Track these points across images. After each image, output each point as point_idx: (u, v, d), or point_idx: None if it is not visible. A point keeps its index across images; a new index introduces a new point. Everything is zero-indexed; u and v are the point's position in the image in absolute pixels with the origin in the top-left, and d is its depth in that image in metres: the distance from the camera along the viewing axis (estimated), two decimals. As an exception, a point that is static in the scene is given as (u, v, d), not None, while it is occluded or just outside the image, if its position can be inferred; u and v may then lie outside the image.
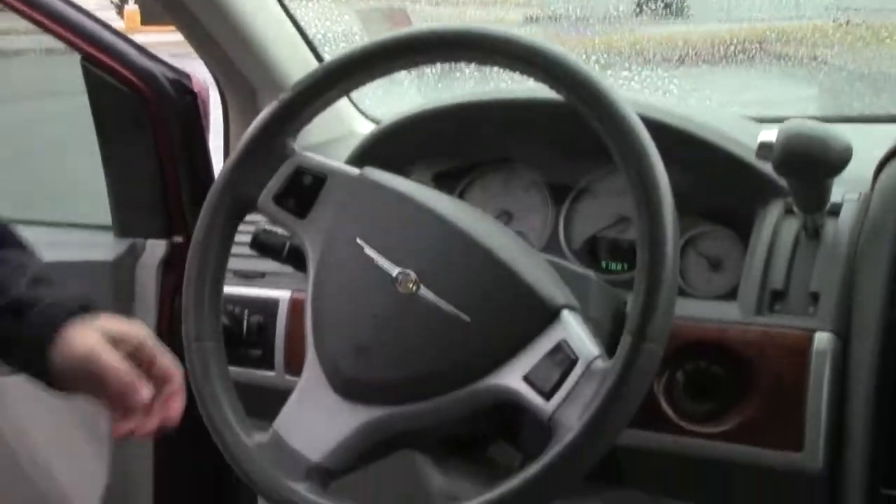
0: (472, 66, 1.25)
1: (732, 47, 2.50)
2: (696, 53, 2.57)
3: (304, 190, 1.21)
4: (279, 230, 1.35)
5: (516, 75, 1.15)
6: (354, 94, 2.02)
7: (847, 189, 1.33)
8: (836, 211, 1.31)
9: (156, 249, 1.99)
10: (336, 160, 1.25)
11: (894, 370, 1.17)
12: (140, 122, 1.87)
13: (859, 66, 2.36)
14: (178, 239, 1.99)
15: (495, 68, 1.18)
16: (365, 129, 1.91)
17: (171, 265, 1.99)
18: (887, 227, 1.21)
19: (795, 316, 1.26)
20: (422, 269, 1.11)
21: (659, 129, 1.12)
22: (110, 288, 1.96)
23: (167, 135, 1.88)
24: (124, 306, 1.98)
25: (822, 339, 1.23)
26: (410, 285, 1.11)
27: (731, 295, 1.38)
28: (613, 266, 1.51)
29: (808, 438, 1.22)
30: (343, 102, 1.96)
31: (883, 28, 2.32)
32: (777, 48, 2.56)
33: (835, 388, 1.22)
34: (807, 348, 1.23)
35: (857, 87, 2.27)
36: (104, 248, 1.98)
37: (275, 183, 1.21)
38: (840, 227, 1.30)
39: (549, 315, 1.08)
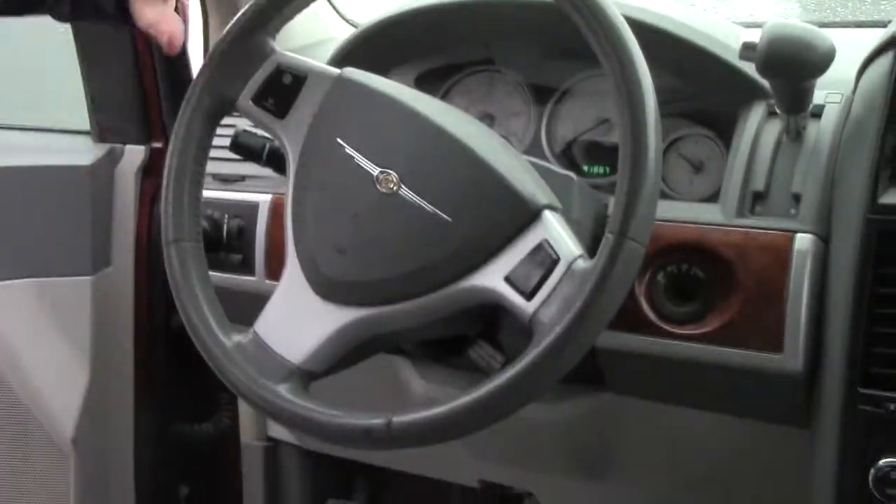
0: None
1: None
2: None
3: (284, 90, 1.19)
4: (259, 132, 1.34)
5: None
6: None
7: (829, 91, 1.32)
8: (818, 113, 1.31)
9: (134, 155, 1.98)
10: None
11: (873, 271, 1.17)
12: (119, 26, 1.84)
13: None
14: (157, 144, 1.98)
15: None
16: (344, 32, 1.88)
17: (150, 171, 1.99)
18: (869, 129, 1.21)
19: (777, 217, 1.26)
20: (403, 169, 1.11)
21: (643, 30, 1.11)
22: (88, 193, 1.95)
23: (145, 38, 1.85)
24: (102, 212, 1.97)
25: (803, 241, 1.23)
26: (391, 185, 1.10)
27: (712, 197, 1.39)
28: (595, 169, 1.51)
29: (787, 340, 1.22)
30: (322, 5, 1.93)
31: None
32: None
33: (815, 290, 1.22)
34: (788, 250, 1.23)
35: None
36: (82, 153, 1.96)
37: (254, 83, 1.19)
38: (822, 129, 1.30)
39: (530, 215, 1.08)
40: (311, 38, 1.88)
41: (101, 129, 1.99)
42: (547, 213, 1.08)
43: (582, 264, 1.04)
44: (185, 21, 1.94)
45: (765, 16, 2.14)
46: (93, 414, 2.00)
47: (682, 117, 1.44)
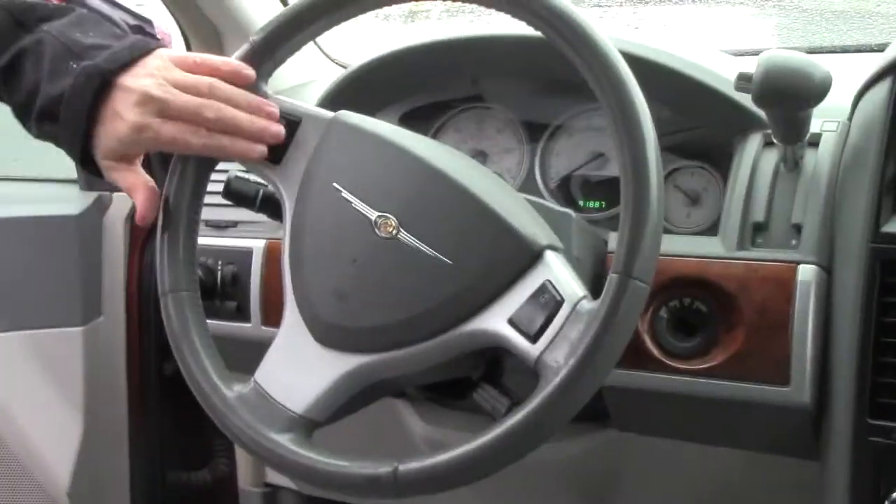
0: (440, 7, 1.22)
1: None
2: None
3: None
4: (251, 177, 1.32)
5: (484, 15, 1.12)
6: (321, 40, 2.00)
7: (825, 119, 1.31)
8: (815, 142, 1.30)
9: (122, 203, 1.97)
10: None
11: (878, 300, 1.16)
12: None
13: (813, 4, 2.34)
14: (146, 192, 1.96)
15: (469, 6, 1.16)
16: (332, 73, 1.87)
17: (140, 218, 1.96)
18: (868, 156, 1.21)
19: (778, 249, 1.25)
20: (401, 212, 1.09)
21: (638, 64, 1.10)
22: (77, 243, 1.93)
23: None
24: (91, 261, 1.95)
25: (806, 271, 1.22)
26: (390, 229, 1.09)
27: (710, 230, 1.38)
28: (591, 204, 1.50)
29: (794, 372, 1.21)
30: (310, 48, 1.92)
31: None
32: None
33: (819, 321, 1.21)
34: (790, 281, 1.22)
35: (819, 23, 2.25)
36: (70, 202, 1.95)
37: None
38: (820, 158, 1.29)
39: (532, 256, 1.06)
40: (301, 80, 1.87)
41: (89, 178, 1.97)
42: (549, 254, 1.07)
43: (587, 305, 1.03)
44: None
45: (758, 43, 2.14)
46: (88, 465, 1.98)
47: (677, 149, 1.43)
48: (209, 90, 1.13)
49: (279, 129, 1.15)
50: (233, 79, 1.15)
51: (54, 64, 1.15)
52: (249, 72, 1.16)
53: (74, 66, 1.13)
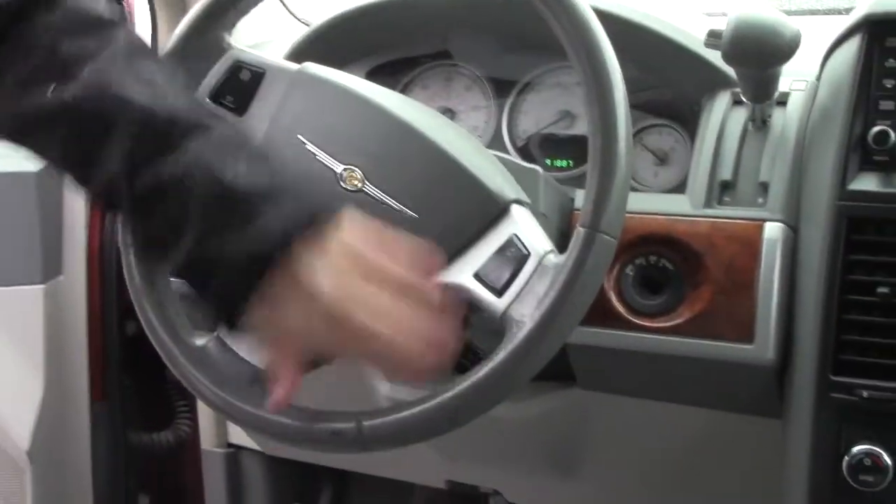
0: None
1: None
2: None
3: (242, 86, 1.16)
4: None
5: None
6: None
7: (794, 79, 1.31)
8: (783, 101, 1.30)
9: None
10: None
11: (843, 258, 1.17)
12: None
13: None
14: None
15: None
16: (295, 30, 1.85)
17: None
18: (835, 115, 1.21)
19: (745, 207, 1.25)
20: (367, 165, 1.08)
21: (609, 20, 1.09)
22: (36, 199, 1.90)
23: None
24: (52, 219, 1.93)
25: (773, 229, 1.22)
26: (355, 181, 1.08)
27: (678, 189, 1.38)
28: (558, 163, 1.49)
29: (759, 330, 1.21)
30: (275, 5, 1.90)
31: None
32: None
33: (785, 279, 1.21)
34: (757, 239, 1.22)
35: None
36: (30, 158, 1.92)
37: (211, 79, 1.17)
38: (788, 117, 1.29)
39: (498, 210, 1.06)
40: (262, 38, 1.85)
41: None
42: (515, 208, 1.06)
43: (553, 259, 1.03)
44: (130, 19, 1.92)
45: (728, 5, 2.13)
46: (48, 425, 1.96)
47: (646, 107, 1.42)
48: None
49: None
50: None
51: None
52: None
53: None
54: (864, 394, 1.15)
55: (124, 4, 1.89)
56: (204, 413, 2.03)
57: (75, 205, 1.95)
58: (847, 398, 1.16)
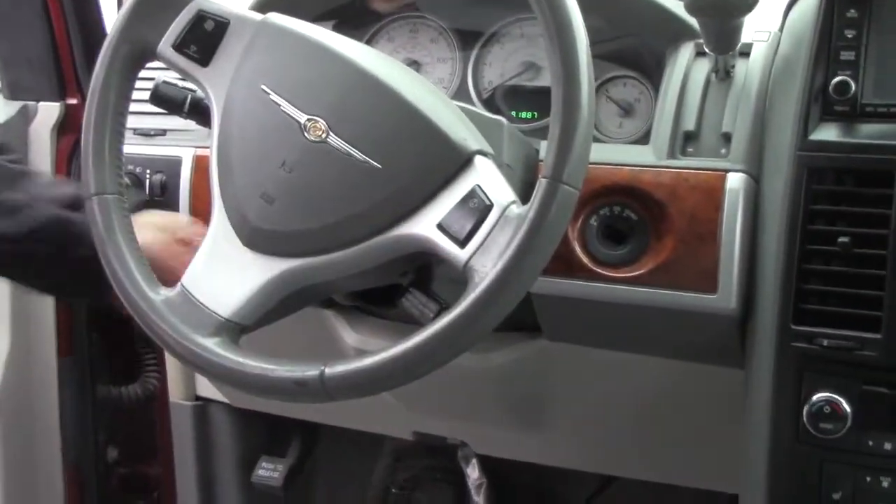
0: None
1: None
2: None
3: (206, 36, 1.15)
4: (180, 83, 1.30)
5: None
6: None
7: (756, 30, 1.32)
8: (746, 52, 1.31)
9: (49, 112, 1.93)
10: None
11: (804, 208, 1.18)
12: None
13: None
14: (72, 101, 1.93)
15: None
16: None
17: (66, 128, 1.94)
18: (797, 65, 1.22)
19: (708, 157, 1.26)
20: (331, 116, 1.08)
21: None
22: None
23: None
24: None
25: (735, 179, 1.22)
26: (319, 132, 1.08)
27: (642, 140, 1.38)
28: (523, 114, 1.49)
29: (721, 280, 1.22)
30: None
31: None
32: None
33: (747, 229, 1.22)
34: (719, 189, 1.22)
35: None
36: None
37: (175, 29, 1.16)
38: (751, 68, 1.29)
39: (462, 160, 1.05)
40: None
41: (13, 87, 1.94)
42: (479, 159, 1.06)
43: (516, 210, 1.03)
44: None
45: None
46: (15, 381, 1.96)
47: (609, 59, 1.42)
48: None
49: None
50: None
51: None
52: None
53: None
54: (825, 342, 1.17)
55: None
56: (171, 366, 2.03)
57: (41, 157, 1.94)
58: (807, 347, 1.18)
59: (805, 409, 1.18)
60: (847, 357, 1.16)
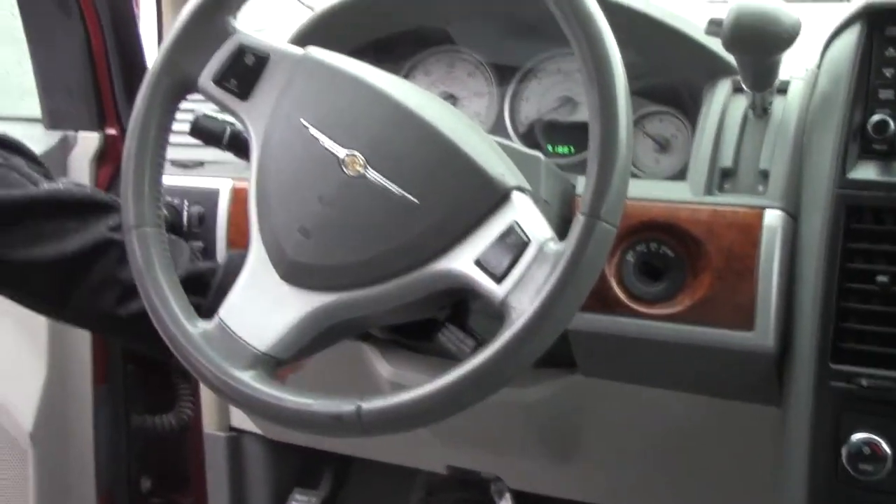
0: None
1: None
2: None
3: (247, 70, 1.16)
4: (219, 116, 1.31)
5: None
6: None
7: (794, 67, 1.31)
8: (783, 88, 1.31)
9: (88, 142, 1.94)
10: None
11: (843, 246, 1.17)
12: (67, 8, 1.81)
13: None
14: (111, 131, 1.95)
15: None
16: (301, 15, 1.85)
17: (105, 159, 1.95)
18: (836, 103, 1.21)
19: (745, 194, 1.26)
20: (369, 151, 1.08)
21: (609, 7, 1.09)
22: (41, 183, 1.91)
23: (96, 20, 1.82)
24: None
25: (773, 217, 1.22)
26: (358, 167, 1.08)
27: (678, 175, 1.39)
28: (559, 149, 1.49)
29: (758, 317, 1.22)
30: (277, -12, 1.91)
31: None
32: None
33: (785, 266, 1.22)
34: (757, 226, 1.22)
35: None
36: (34, 141, 1.92)
37: (216, 63, 1.17)
38: (788, 105, 1.29)
39: (499, 196, 1.06)
40: (268, 20, 1.85)
41: (53, 117, 1.95)
42: (516, 195, 1.06)
43: (553, 247, 1.02)
44: (136, 4, 1.92)
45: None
46: (51, 408, 1.97)
47: (647, 94, 1.43)
48: None
49: None
50: None
51: None
52: None
53: None
54: (864, 382, 1.15)
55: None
56: (206, 396, 2.04)
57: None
58: (846, 386, 1.17)
59: (844, 449, 1.17)
60: (887, 397, 1.15)
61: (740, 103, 1.31)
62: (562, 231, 1.04)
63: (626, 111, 1.01)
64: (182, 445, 2.15)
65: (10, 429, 1.95)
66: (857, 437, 1.16)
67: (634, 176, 1.39)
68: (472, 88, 1.56)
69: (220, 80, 1.17)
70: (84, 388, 2.04)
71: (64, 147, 1.93)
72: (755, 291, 1.22)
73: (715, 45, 1.27)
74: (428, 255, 1.05)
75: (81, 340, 2.00)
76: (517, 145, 1.31)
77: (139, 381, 2.11)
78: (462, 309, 1.19)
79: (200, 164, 1.56)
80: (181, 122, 1.28)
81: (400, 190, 1.06)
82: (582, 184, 1.26)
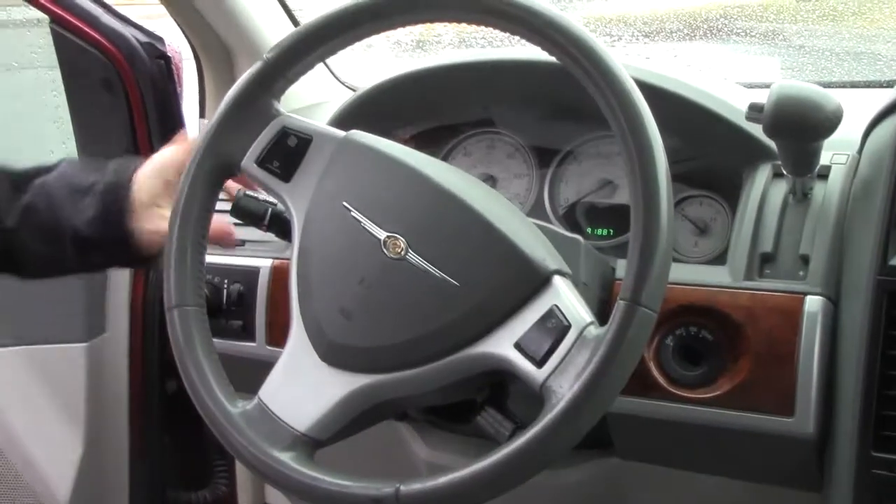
0: (451, 34, 1.22)
1: (702, 22, 2.48)
2: (666, 28, 2.55)
3: (289, 152, 1.18)
4: (261, 196, 1.33)
5: (495, 43, 1.12)
6: (332, 64, 2.01)
7: (835, 152, 1.32)
8: (824, 174, 1.31)
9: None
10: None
11: (884, 333, 1.16)
12: (111, 86, 1.84)
13: (818, 42, 2.34)
14: (153, 207, 1.96)
15: (482, 32, 1.16)
16: (342, 96, 1.88)
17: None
18: (877, 189, 1.20)
19: (785, 280, 1.25)
20: (410, 233, 1.09)
21: (650, 92, 1.09)
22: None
23: (139, 100, 1.85)
24: (97, 276, 1.95)
25: (813, 303, 1.22)
26: (399, 249, 1.09)
27: (717, 259, 1.38)
28: (599, 232, 1.50)
29: (799, 403, 1.21)
30: (320, 69, 1.93)
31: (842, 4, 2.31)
32: (740, 24, 2.53)
33: (825, 352, 1.21)
34: (797, 312, 1.22)
35: (829, 60, 2.25)
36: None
37: (258, 145, 1.18)
38: (829, 190, 1.29)
39: (540, 280, 1.06)
40: (308, 101, 1.88)
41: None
42: (557, 279, 1.06)
43: (594, 331, 1.03)
44: (179, 84, 1.95)
45: (766, 77, 2.15)
46: (88, 481, 1.97)
47: (687, 178, 1.43)
48: None
49: None
50: None
51: (68, 205, 1.30)
52: None
53: (87, 200, 1.30)
54: (905, 470, 1.14)
55: (172, 67, 1.92)
56: (241, 473, 2.04)
57: (120, 264, 1.97)
58: (888, 475, 1.15)
59: (886, 538, 1.15)
60: (929, 486, 1.14)
61: (780, 188, 1.31)
62: (601, 313, 1.05)
63: (667, 199, 1.01)
64: (217, 521, 2.15)
65: (46, 500, 1.95)
66: (900, 525, 1.15)
67: (674, 259, 1.38)
68: (512, 170, 1.57)
69: (262, 162, 1.18)
70: (121, 461, 2.05)
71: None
72: (795, 377, 1.21)
73: (755, 129, 1.28)
74: (468, 337, 1.06)
75: (120, 414, 2.01)
76: (557, 228, 1.31)
77: (175, 454, 2.12)
78: (501, 391, 1.19)
79: (242, 243, 1.58)
80: (224, 202, 1.30)
81: (441, 273, 1.07)
82: (622, 266, 1.26)
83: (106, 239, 1.30)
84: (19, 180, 1.32)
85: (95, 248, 1.31)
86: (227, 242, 1.37)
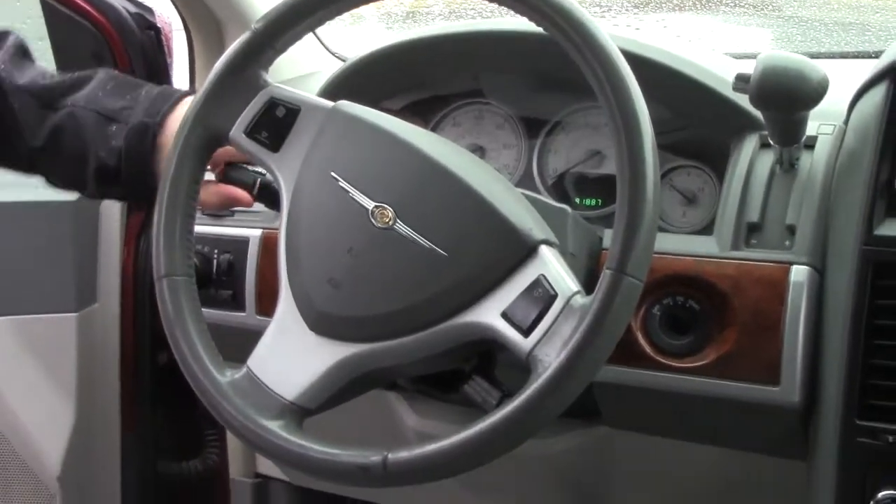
0: (441, 6, 1.22)
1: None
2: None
3: (277, 122, 1.18)
4: (249, 166, 1.33)
5: (485, 14, 1.12)
6: (321, 33, 2.00)
7: (822, 122, 1.32)
8: (811, 144, 1.31)
9: (119, 190, 1.96)
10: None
11: (869, 302, 1.17)
12: (101, 57, 1.83)
13: (808, 12, 2.34)
14: (143, 179, 1.96)
15: (472, 2, 1.16)
16: (332, 66, 1.87)
17: (135, 206, 1.96)
18: (863, 160, 1.21)
19: (772, 249, 1.26)
20: (398, 203, 1.09)
21: (636, 61, 1.10)
22: (73, 229, 1.93)
23: (129, 70, 1.85)
24: (87, 248, 1.96)
25: (799, 272, 1.22)
26: (387, 219, 1.09)
27: (705, 230, 1.39)
28: (587, 201, 1.50)
29: (784, 372, 1.21)
30: (310, 40, 1.92)
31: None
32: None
33: (811, 322, 1.22)
34: (783, 281, 1.22)
35: (818, 30, 2.25)
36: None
37: (247, 115, 1.18)
38: (815, 160, 1.29)
39: (527, 250, 1.06)
40: (300, 71, 1.87)
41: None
42: (544, 248, 1.07)
43: (580, 300, 1.03)
44: (169, 54, 1.95)
45: (756, 47, 2.15)
46: (79, 452, 1.98)
47: (674, 149, 1.43)
48: None
49: None
50: None
51: (95, 132, 1.31)
52: None
53: (115, 128, 1.31)
54: (890, 438, 1.15)
55: (162, 38, 1.92)
56: (232, 442, 2.05)
57: (111, 234, 1.97)
58: (873, 443, 1.16)
59: (870, 505, 1.16)
60: (913, 454, 1.15)
61: (767, 158, 1.32)
62: (588, 283, 1.05)
63: (653, 168, 1.02)
64: (208, 491, 2.16)
65: (38, 472, 1.96)
66: (884, 493, 1.15)
67: (661, 229, 1.39)
68: (501, 140, 1.57)
69: (251, 132, 1.18)
70: (112, 433, 2.05)
71: (95, 194, 1.95)
72: (781, 346, 1.22)
73: (742, 100, 1.28)
74: (455, 307, 1.06)
75: (111, 385, 2.02)
76: (545, 198, 1.32)
77: (166, 426, 2.12)
78: (488, 360, 1.20)
79: (231, 213, 1.58)
80: (211, 172, 1.30)
81: (428, 243, 1.07)
82: (609, 236, 1.27)
83: (127, 173, 1.31)
84: (50, 97, 1.33)
85: (115, 180, 1.32)
86: (244, 202, 1.35)
